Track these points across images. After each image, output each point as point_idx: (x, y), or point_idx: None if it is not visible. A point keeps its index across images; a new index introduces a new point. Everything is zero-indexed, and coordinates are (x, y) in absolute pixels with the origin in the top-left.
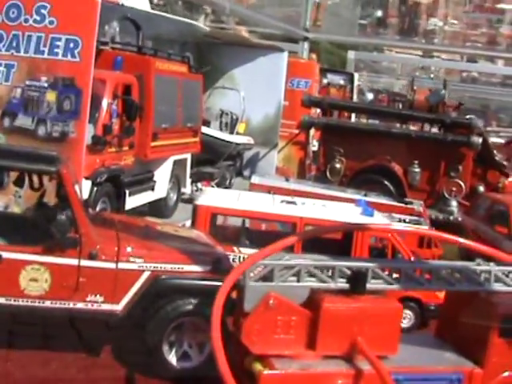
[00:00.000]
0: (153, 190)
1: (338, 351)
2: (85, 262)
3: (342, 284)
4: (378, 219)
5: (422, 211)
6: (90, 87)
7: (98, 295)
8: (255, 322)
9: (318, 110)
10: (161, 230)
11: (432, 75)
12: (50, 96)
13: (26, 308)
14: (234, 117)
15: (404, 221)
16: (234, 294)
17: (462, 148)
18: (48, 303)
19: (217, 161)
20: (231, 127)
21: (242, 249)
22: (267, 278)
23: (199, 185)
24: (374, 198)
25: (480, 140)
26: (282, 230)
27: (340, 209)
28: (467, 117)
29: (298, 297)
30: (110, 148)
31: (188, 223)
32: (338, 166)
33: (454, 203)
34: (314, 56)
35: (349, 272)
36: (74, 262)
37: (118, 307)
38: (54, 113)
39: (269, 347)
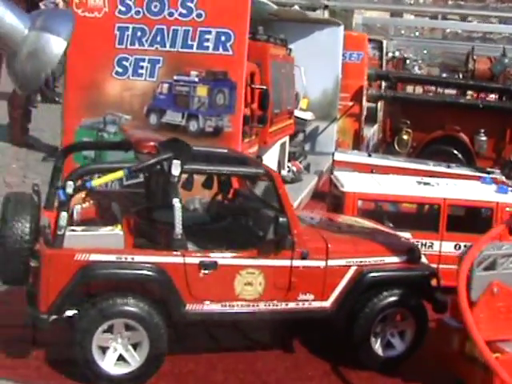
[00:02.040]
0: None
1: None
2: (297, 263)
3: None
4: None
5: (504, 180)
6: (243, 81)
7: (308, 294)
8: (481, 311)
9: None
10: (348, 223)
11: (417, 33)
12: (201, 91)
13: (242, 313)
14: (295, 93)
15: None
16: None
17: None
18: (262, 306)
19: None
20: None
21: None
22: (489, 267)
23: (289, 165)
24: (457, 170)
25: None
26: (421, 210)
27: (475, 187)
28: None
29: None
30: (245, 138)
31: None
32: (405, 137)
33: None
34: None
35: None
36: (287, 263)
37: (327, 304)
38: (206, 107)
39: (494, 333)
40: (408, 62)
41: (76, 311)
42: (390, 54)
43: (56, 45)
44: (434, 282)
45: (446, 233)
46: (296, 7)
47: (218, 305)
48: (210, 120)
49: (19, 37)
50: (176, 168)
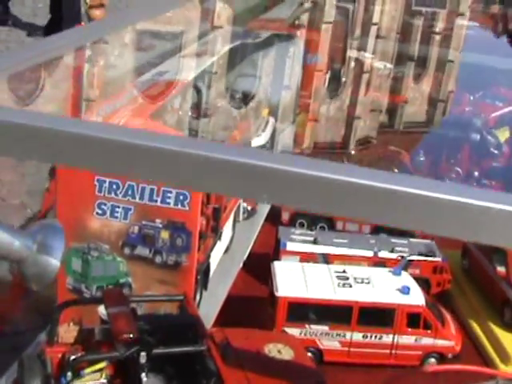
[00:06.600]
0: (220, 239)
1: None
2: None
3: None
4: (414, 295)
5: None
6: (198, 229)
7: None
8: None
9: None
10: (271, 356)
11: None
12: (164, 234)
13: None
14: None
15: (421, 254)
16: None
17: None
18: None
19: None
20: None
21: (312, 325)
22: None
23: (244, 205)
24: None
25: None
26: (338, 308)
27: (384, 286)
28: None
29: None
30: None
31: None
32: None
33: None
34: None
35: None
36: None
37: None
38: (168, 246)
39: None
40: None
41: None
42: None
43: (52, 266)
44: None
45: (356, 326)
46: None
47: None
48: (171, 256)
49: (23, 256)
50: (143, 358)
